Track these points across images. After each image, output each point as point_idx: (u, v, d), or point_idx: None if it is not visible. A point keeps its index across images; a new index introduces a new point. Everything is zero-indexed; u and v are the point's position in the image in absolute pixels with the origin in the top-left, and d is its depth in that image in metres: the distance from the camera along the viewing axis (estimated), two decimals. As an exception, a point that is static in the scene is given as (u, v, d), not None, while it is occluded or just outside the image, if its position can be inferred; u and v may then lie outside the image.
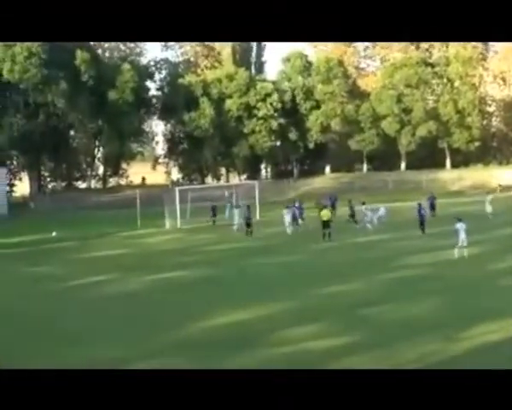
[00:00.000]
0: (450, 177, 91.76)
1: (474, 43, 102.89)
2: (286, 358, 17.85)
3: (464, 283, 27.80)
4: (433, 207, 52.95)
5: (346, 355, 17.89)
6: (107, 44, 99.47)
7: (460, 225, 33.39)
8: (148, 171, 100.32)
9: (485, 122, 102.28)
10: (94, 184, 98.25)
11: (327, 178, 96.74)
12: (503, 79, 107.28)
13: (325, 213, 44.37)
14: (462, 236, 33.07)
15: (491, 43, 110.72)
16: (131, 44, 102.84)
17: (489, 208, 50.63)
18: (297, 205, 51.83)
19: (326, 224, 43.78)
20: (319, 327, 21.39)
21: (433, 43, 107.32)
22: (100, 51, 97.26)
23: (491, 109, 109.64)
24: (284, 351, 18.66)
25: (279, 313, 23.56)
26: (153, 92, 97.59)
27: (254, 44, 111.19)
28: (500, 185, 77.81)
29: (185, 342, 20.44)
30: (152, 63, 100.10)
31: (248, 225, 47.30)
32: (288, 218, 48.01)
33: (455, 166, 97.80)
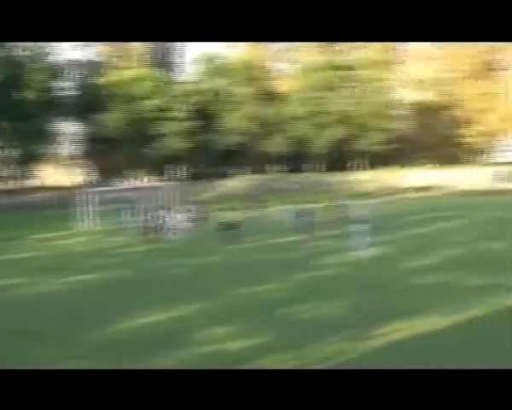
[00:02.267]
0: (360, 179, 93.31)
1: (385, 47, 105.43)
2: (203, 358, 17.89)
3: (373, 282, 28.29)
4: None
5: (260, 356, 18.00)
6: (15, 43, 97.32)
7: (361, 227, 33.58)
8: (59, 172, 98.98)
9: (394, 125, 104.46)
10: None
11: (241, 180, 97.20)
12: (413, 83, 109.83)
13: (233, 215, 44.56)
14: (364, 237, 33.24)
15: (401, 48, 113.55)
16: (42, 43, 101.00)
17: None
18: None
19: (234, 225, 44.10)
20: (234, 328, 21.44)
21: (345, 46, 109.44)
22: (8, 50, 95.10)
23: (400, 113, 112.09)
24: (201, 352, 18.70)
25: (195, 315, 23.52)
26: (64, 92, 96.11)
27: (168, 45, 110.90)
28: (412, 187, 79.13)
29: (103, 344, 20.23)
30: (63, 63, 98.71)
31: (152, 228, 44.98)
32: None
33: (364, 168, 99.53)
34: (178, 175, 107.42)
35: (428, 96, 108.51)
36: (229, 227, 44.05)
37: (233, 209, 45.76)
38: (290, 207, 52.23)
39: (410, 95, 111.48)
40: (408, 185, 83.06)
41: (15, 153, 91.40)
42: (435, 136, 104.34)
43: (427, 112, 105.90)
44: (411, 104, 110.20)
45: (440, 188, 75.28)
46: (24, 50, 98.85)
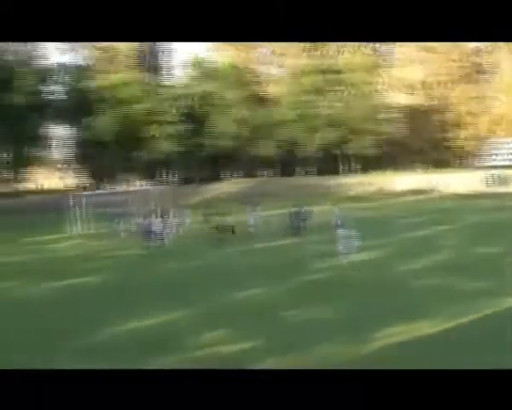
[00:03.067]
0: (351, 182, 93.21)
1: (375, 50, 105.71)
2: (199, 362, 17.79)
3: (372, 285, 28.23)
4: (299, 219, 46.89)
5: (254, 359, 17.90)
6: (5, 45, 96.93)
7: (343, 232, 33.36)
8: (48, 176, 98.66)
9: (384, 129, 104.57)
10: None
11: (231, 183, 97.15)
12: (404, 87, 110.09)
13: (226, 218, 44.76)
14: (348, 242, 32.98)
15: (390, 51, 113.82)
16: (31, 46, 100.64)
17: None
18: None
19: (227, 229, 44.15)
20: (232, 331, 21.34)
21: (333, 49, 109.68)
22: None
23: (390, 117, 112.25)
24: (197, 355, 18.61)
25: (190, 318, 23.43)
26: (53, 96, 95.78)
27: (157, 48, 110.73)
28: (403, 191, 78.56)
29: (97, 347, 20.11)
30: (53, 66, 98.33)
31: (145, 233, 43.06)
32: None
33: (355, 172, 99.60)
34: (169, 179, 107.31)
35: (418, 99, 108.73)
36: (224, 230, 43.96)
37: (225, 213, 45.55)
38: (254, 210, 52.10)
39: (399, 98, 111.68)
40: (399, 189, 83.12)
41: (6, 156, 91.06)
42: (425, 139, 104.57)
43: (416, 115, 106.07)
44: (401, 108, 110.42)
45: (431, 191, 75.25)
46: (12, 54, 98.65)
